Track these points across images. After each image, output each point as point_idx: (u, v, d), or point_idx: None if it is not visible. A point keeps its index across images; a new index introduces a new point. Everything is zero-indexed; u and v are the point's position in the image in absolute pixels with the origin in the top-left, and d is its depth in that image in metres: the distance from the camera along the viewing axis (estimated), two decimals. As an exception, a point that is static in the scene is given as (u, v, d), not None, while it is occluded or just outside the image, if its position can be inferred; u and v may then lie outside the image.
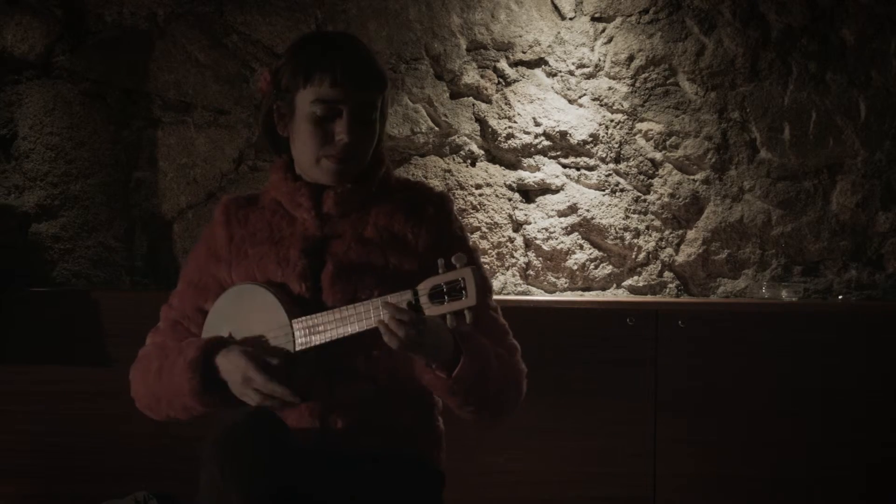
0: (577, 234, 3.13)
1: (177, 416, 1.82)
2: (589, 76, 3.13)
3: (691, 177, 3.14)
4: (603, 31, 3.13)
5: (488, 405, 1.77)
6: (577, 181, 3.13)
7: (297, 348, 1.72)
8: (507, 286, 3.12)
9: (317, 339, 1.71)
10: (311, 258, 1.77)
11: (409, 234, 1.80)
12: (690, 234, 3.14)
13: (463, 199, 3.11)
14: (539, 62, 3.14)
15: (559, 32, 3.13)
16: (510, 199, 3.14)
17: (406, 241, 1.80)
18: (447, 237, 1.82)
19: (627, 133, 3.13)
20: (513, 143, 3.13)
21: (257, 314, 1.76)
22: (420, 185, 1.94)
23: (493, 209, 3.13)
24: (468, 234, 1.93)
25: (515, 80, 3.14)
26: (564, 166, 3.14)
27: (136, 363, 1.88)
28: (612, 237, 3.13)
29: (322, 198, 1.81)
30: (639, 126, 3.13)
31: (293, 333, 1.72)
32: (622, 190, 3.13)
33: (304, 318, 1.72)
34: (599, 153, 3.13)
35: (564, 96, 3.13)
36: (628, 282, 3.15)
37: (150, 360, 1.84)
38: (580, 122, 3.12)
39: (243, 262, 1.82)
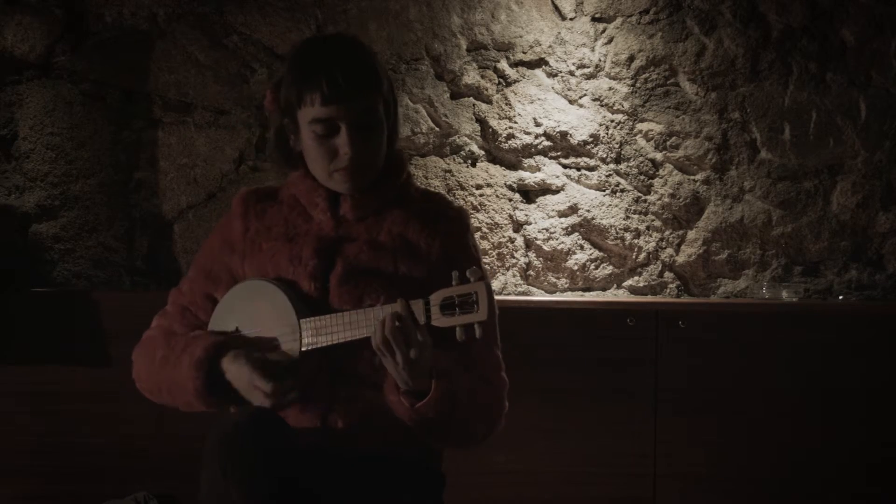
0: (577, 234, 3.13)
1: (177, 407, 1.83)
2: (589, 76, 3.13)
3: (692, 177, 3.14)
4: (603, 31, 3.13)
5: (446, 440, 1.75)
6: (578, 181, 3.13)
7: (304, 348, 1.72)
8: (508, 286, 3.12)
9: (323, 341, 1.71)
10: (322, 258, 1.77)
11: (423, 244, 1.79)
12: (691, 234, 3.14)
13: (463, 199, 3.11)
14: (539, 62, 3.13)
15: (559, 33, 3.13)
16: (511, 200, 3.14)
17: (419, 250, 1.78)
18: (461, 252, 1.80)
19: (628, 133, 3.13)
20: (513, 143, 3.13)
21: (266, 311, 1.75)
22: (440, 197, 1.92)
23: (493, 209, 3.13)
24: (481, 256, 1.91)
25: (516, 81, 3.14)
26: (565, 167, 3.14)
27: (140, 345, 1.88)
28: (612, 237, 3.13)
29: (339, 201, 1.82)
30: (639, 126, 3.13)
31: (300, 333, 1.72)
32: (622, 190, 3.13)
33: (312, 318, 1.72)
34: (600, 153, 3.13)
35: (565, 97, 3.13)
36: (629, 282, 3.15)
37: (156, 345, 1.84)
38: (581, 122, 3.12)
39: (257, 255, 1.82)
